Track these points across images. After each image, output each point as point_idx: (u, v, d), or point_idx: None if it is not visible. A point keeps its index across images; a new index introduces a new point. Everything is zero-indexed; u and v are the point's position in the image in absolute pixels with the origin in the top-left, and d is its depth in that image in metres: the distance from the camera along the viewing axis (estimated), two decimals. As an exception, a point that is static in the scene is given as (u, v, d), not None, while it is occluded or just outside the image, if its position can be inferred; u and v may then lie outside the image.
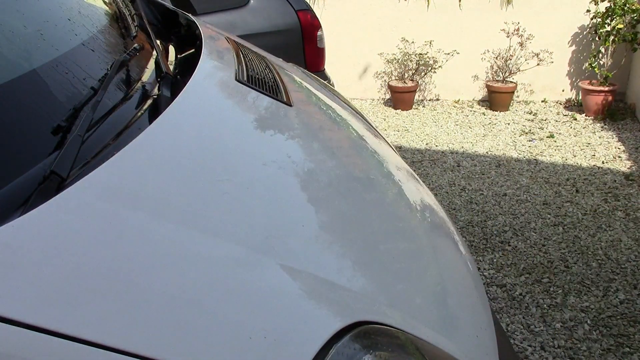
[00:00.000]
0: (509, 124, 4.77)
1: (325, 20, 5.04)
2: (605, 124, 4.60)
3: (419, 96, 5.56)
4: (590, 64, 4.84)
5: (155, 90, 1.04)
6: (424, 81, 5.51)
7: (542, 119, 4.83)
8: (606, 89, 4.67)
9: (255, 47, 1.83)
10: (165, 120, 0.90)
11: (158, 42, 1.28)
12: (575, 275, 2.57)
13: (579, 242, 2.85)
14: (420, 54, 5.30)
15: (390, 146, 1.63)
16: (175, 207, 0.73)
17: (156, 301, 0.59)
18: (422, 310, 0.89)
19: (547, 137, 4.40)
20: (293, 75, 1.64)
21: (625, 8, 4.57)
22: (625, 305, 2.35)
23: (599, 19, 4.73)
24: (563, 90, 5.27)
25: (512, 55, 5.20)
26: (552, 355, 2.09)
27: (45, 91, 0.80)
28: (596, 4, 4.73)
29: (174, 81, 1.09)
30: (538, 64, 5.16)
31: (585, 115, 4.84)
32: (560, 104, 5.24)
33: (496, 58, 5.28)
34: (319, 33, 3.34)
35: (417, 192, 1.31)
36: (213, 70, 1.23)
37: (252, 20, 3.25)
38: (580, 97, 5.08)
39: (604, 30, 4.74)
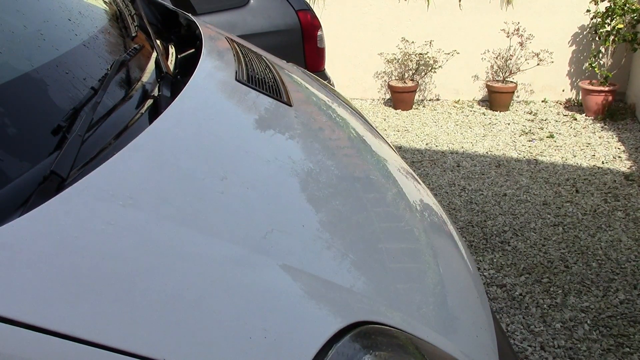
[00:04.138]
0: (509, 124, 4.77)
1: (325, 20, 5.04)
2: (605, 124, 4.60)
3: (419, 96, 5.56)
4: (590, 64, 4.84)
5: (155, 90, 1.04)
6: (424, 81, 5.51)
7: (542, 119, 4.83)
8: (606, 89, 4.67)
9: (255, 47, 1.83)
10: (165, 121, 0.90)
11: (158, 42, 1.28)
12: (575, 275, 2.57)
13: (579, 242, 2.85)
14: (420, 54, 5.30)
15: (390, 146, 1.63)
16: (175, 207, 0.73)
17: (156, 301, 0.59)
18: (422, 310, 0.89)
19: (547, 137, 4.40)
20: (293, 75, 1.64)
21: (625, 8, 4.57)
22: (625, 305, 2.35)
23: (599, 19, 4.74)
24: (563, 90, 5.27)
25: (512, 55, 5.20)
26: (552, 355, 2.09)
27: (45, 91, 0.80)
28: (596, 4, 4.73)
29: (174, 81, 1.09)
30: (538, 64, 5.16)
31: (585, 115, 4.84)
32: (560, 104, 5.24)
33: (496, 58, 5.28)
34: (319, 33, 3.34)
35: (417, 192, 1.31)
36: (213, 70, 1.23)
37: (252, 20, 3.25)
38: (580, 97, 5.08)
39: (604, 30, 4.74)
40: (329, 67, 3.74)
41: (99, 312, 0.55)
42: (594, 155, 3.98)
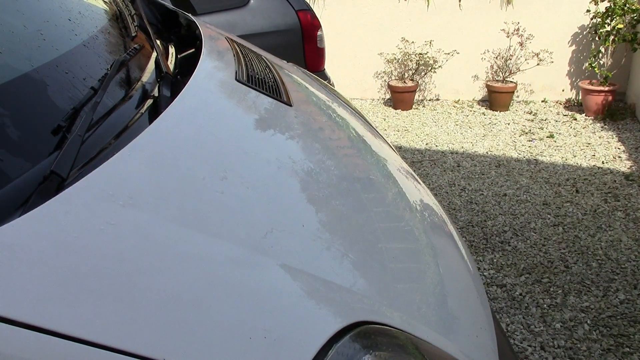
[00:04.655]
0: (509, 124, 4.77)
1: (325, 20, 5.04)
2: (605, 124, 4.60)
3: (419, 96, 5.56)
4: (590, 64, 4.85)
5: (155, 90, 1.04)
6: (424, 81, 5.51)
7: (542, 119, 4.83)
8: (606, 89, 4.67)
9: (255, 47, 1.83)
10: (165, 120, 0.90)
11: (158, 42, 1.28)
12: (575, 275, 2.57)
13: (579, 242, 2.85)
14: (420, 53, 5.30)
15: (390, 146, 1.63)
16: (175, 207, 0.73)
17: (156, 301, 0.59)
18: (422, 310, 0.89)
19: (547, 137, 4.40)
20: (293, 75, 1.64)
21: (625, 8, 4.57)
22: (625, 305, 2.35)
23: (599, 19, 4.74)
24: (563, 90, 5.27)
25: (512, 55, 5.20)
26: (552, 355, 2.09)
27: (45, 91, 0.80)
28: (596, 4, 4.73)
29: (174, 81, 1.09)
30: (538, 64, 5.16)
31: (585, 115, 4.84)
32: (560, 104, 5.24)
33: (496, 58, 5.28)
34: (319, 33, 3.34)
35: (417, 192, 1.31)
36: (213, 70, 1.23)
37: (252, 20, 3.25)
38: (580, 97, 5.08)
39: (604, 30, 4.74)
40: (329, 67, 3.74)
41: (99, 312, 0.55)
42: (594, 155, 3.98)
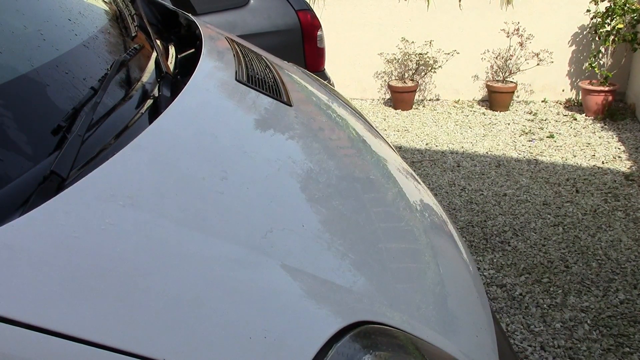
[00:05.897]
0: (509, 124, 4.77)
1: (325, 20, 5.04)
2: (605, 124, 4.60)
3: (419, 96, 5.56)
4: (590, 64, 4.85)
5: (155, 90, 1.04)
6: (424, 81, 5.51)
7: (542, 119, 4.83)
8: (606, 89, 4.67)
9: (255, 47, 1.83)
10: (165, 120, 0.90)
11: (158, 42, 1.28)
12: (575, 275, 2.57)
13: (579, 242, 2.85)
14: (420, 53, 5.30)
15: (390, 146, 1.63)
16: (175, 207, 0.73)
17: (156, 301, 0.59)
18: (422, 310, 0.89)
19: (547, 137, 4.40)
20: (293, 75, 1.64)
21: (625, 8, 4.57)
22: (625, 305, 2.35)
23: (599, 19, 4.74)
24: (563, 90, 5.27)
25: (512, 55, 5.20)
26: (552, 355, 2.09)
27: (45, 91, 0.80)
28: (596, 4, 4.73)
29: (174, 81, 1.09)
30: (538, 64, 5.16)
31: (585, 115, 4.84)
32: (560, 104, 5.24)
33: (496, 58, 5.28)
34: (319, 33, 3.35)
35: (417, 192, 1.31)
36: (213, 70, 1.23)
37: (252, 20, 3.25)
38: (580, 97, 5.08)
39: (604, 30, 4.74)
40: (329, 67, 3.74)
41: (99, 312, 0.55)
42: (594, 155, 3.98)
